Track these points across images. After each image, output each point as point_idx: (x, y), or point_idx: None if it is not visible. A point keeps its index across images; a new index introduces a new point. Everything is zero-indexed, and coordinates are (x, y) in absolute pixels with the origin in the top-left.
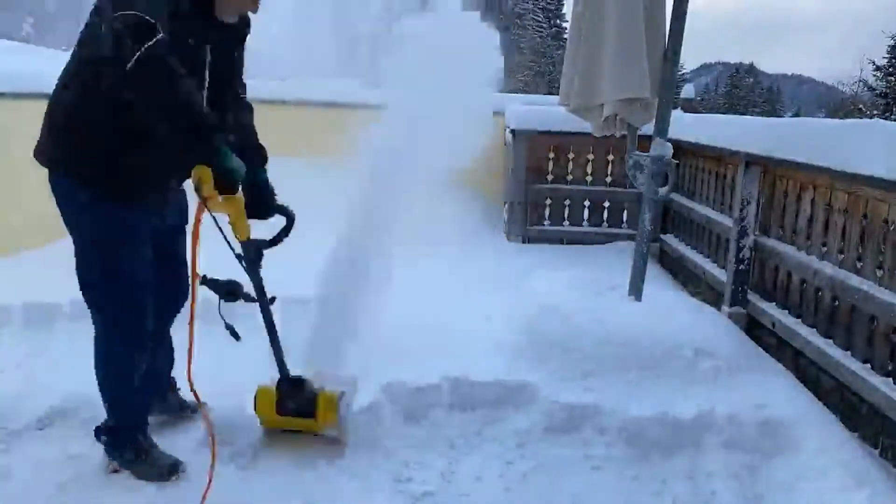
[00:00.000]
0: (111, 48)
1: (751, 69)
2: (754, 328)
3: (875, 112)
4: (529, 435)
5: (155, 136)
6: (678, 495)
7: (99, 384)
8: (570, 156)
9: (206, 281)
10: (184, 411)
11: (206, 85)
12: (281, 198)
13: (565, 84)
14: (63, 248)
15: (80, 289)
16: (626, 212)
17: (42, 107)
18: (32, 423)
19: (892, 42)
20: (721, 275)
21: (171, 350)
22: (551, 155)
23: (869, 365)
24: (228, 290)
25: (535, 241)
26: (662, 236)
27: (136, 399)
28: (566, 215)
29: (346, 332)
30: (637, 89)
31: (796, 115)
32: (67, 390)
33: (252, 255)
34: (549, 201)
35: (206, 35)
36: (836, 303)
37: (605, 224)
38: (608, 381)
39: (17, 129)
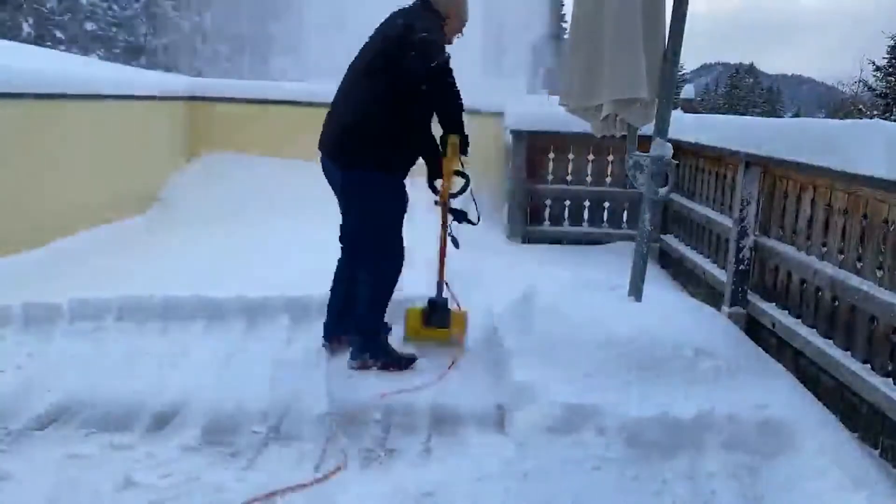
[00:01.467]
0: (421, 58)
1: (751, 69)
2: (754, 328)
3: (875, 112)
4: (529, 435)
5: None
6: (678, 495)
7: (369, 309)
8: (570, 156)
9: (451, 209)
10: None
11: None
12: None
13: (565, 84)
14: (63, 249)
15: (375, 242)
16: (626, 212)
17: (47, 106)
18: (32, 423)
19: (891, 42)
20: (721, 275)
21: None
22: (551, 155)
23: (869, 365)
24: (459, 215)
25: (535, 241)
26: (662, 236)
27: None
28: (566, 215)
29: None
30: (634, 89)
31: (796, 115)
32: (67, 390)
33: (446, 204)
34: (549, 201)
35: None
36: (836, 303)
37: (605, 224)
38: (608, 381)
39: (19, 128)
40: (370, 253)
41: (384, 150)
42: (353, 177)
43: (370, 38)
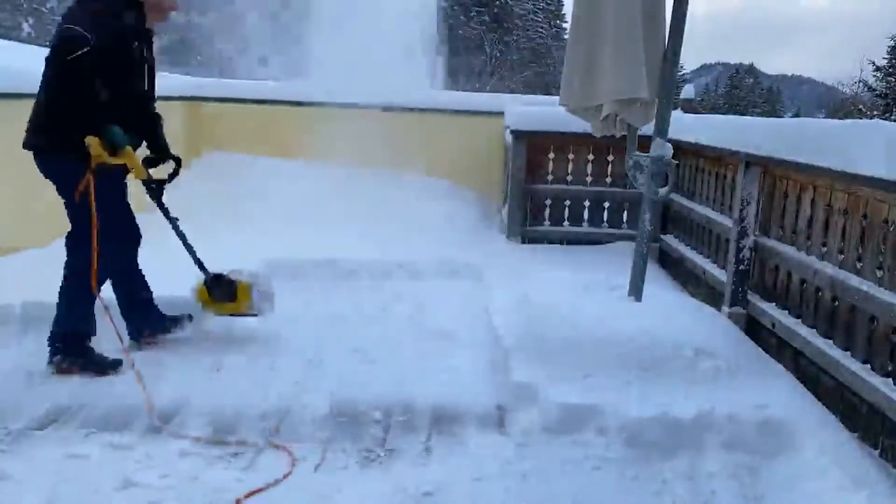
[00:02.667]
0: (52, 54)
1: (751, 69)
2: (754, 328)
3: (875, 112)
4: (529, 435)
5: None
6: (678, 495)
7: (64, 307)
8: (570, 156)
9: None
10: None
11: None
12: None
13: (565, 84)
14: (62, 247)
15: (71, 235)
16: (626, 212)
17: None
18: (32, 423)
19: (892, 43)
20: (721, 275)
21: None
22: (551, 155)
23: (869, 365)
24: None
25: (535, 241)
26: (662, 236)
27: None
28: (566, 215)
29: None
30: (635, 90)
31: (796, 115)
32: (67, 390)
33: (155, 189)
34: (549, 201)
35: (143, 39)
36: (836, 303)
37: (605, 224)
38: (608, 381)
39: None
40: (67, 246)
41: (62, 133)
42: (44, 162)
43: None
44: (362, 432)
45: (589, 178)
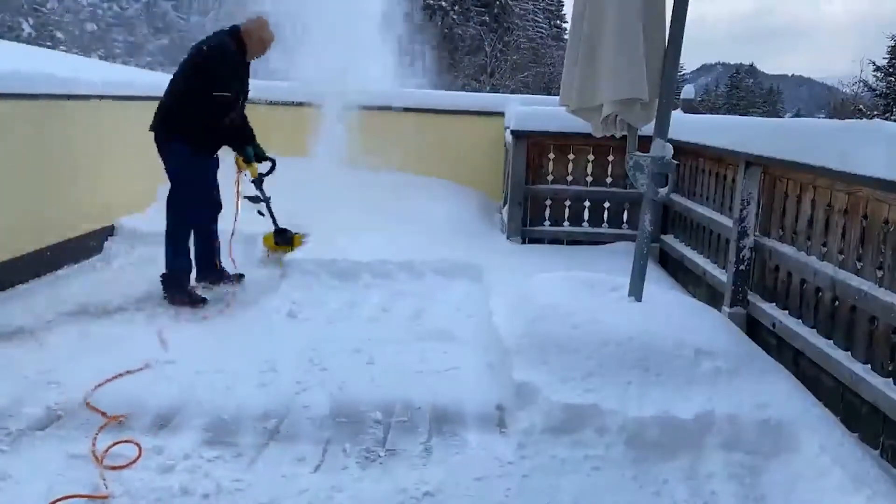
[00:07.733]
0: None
1: (751, 70)
2: (754, 328)
3: (875, 112)
4: (529, 435)
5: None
6: (678, 496)
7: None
8: (570, 156)
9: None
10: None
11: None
12: None
13: (566, 85)
14: (66, 248)
15: (170, 198)
16: (626, 212)
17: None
18: (32, 423)
19: (892, 43)
20: (721, 275)
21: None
22: (551, 155)
23: (869, 365)
24: (251, 198)
25: (535, 242)
26: (663, 237)
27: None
28: (566, 215)
29: None
30: (635, 90)
31: (796, 115)
32: (68, 390)
33: (260, 181)
34: (549, 201)
35: (246, 69)
36: (837, 303)
37: (605, 224)
38: (608, 381)
39: (26, 129)
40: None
41: (181, 131)
42: (161, 146)
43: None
44: (362, 432)
45: (589, 179)
